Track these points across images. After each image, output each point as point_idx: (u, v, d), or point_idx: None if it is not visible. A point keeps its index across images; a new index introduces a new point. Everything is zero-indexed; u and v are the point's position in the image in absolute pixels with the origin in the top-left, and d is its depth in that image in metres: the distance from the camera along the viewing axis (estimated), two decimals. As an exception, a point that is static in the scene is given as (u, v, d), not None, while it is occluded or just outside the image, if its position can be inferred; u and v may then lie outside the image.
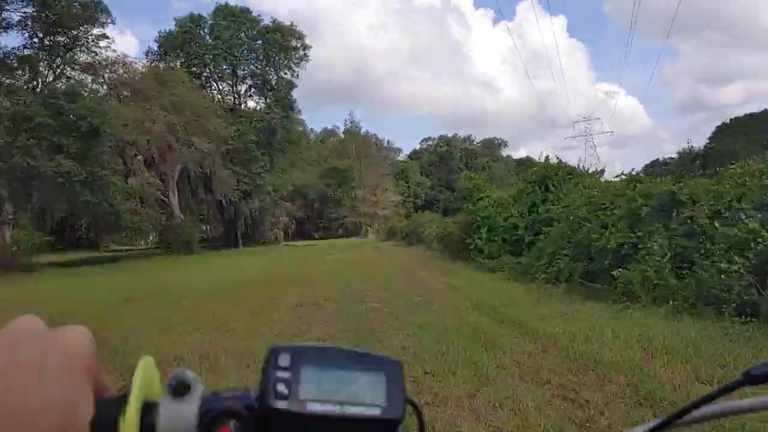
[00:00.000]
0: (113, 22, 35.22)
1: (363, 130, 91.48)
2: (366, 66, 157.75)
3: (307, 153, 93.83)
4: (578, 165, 18.63)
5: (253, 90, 56.88)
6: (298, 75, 57.06)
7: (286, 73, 56.69)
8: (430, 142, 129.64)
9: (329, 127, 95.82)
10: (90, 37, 34.00)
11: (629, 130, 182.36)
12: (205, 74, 53.71)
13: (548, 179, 17.49)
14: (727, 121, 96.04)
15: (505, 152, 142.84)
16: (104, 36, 34.70)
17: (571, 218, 12.43)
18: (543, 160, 18.84)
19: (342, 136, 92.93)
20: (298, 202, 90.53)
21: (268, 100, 55.24)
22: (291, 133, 59.78)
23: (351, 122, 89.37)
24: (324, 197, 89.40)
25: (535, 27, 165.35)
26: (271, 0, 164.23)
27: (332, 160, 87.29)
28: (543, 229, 14.91)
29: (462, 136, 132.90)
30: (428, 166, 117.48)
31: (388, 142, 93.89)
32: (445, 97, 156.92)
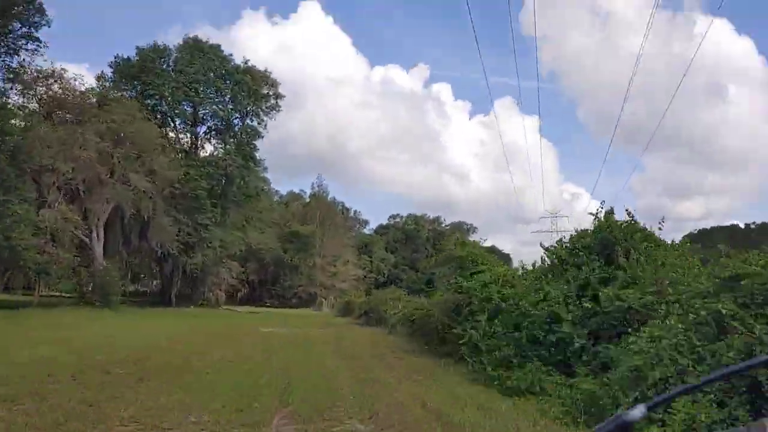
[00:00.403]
0: (48, 25, 29.72)
1: (330, 196, 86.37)
2: (343, 140, 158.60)
3: (268, 214, 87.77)
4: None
5: (213, 133, 51.41)
6: (266, 125, 52.06)
7: (252, 120, 51.59)
8: (398, 219, 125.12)
9: (296, 190, 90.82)
10: (11, 35, 28.23)
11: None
12: (161, 109, 48.18)
13: (617, 244, 11.29)
14: (695, 231, 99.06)
15: (472, 238, 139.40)
16: (32, 37, 29.01)
17: (701, 314, 6.68)
18: (602, 215, 12.35)
19: (308, 200, 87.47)
20: (252, 264, 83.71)
21: (227, 146, 49.75)
22: (249, 186, 54.08)
23: (318, 186, 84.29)
24: (280, 262, 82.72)
25: (509, 124, 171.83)
26: (261, 66, 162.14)
27: (294, 224, 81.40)
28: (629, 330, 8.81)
29: (431, 217, 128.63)
30: (394, 242, 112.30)
31: (355, 212, 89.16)
32: (417, 180, 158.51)
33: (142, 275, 49.47)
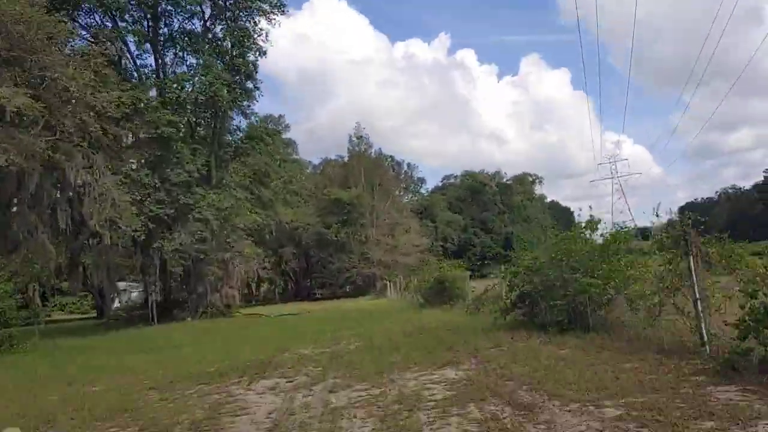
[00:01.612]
0: None
1: (375, 149, 66.91)
2: (372, 122, 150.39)
3: (297, 184, 69.80)
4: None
5: (182, 42, 32.55)
6: (267, 35, 33.06)
7: (245, 20, 32.82)
8: (453, 180, 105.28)
9: (331, 157, 71.55)
10: None
11: (639, 179, 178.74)
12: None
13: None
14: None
15: (538, 190, 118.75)
16: None
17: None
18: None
19: (346, 160, 68.53)
20: (287, 249, 65.91)
21: (206, 55, 31.06)
22: (256, 127, 35.65)
23: (357, 138, 65.12)
24: (324, 241, 64.54)
25: (539, 81, 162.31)
26: (283, 60, 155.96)
27: (334, 190, 62.87)
28: None
29: (489, 172, 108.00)
30: (457, 201, 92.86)
31: (408, 165, 68.90)
32: (452, 150, 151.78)
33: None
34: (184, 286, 33.17)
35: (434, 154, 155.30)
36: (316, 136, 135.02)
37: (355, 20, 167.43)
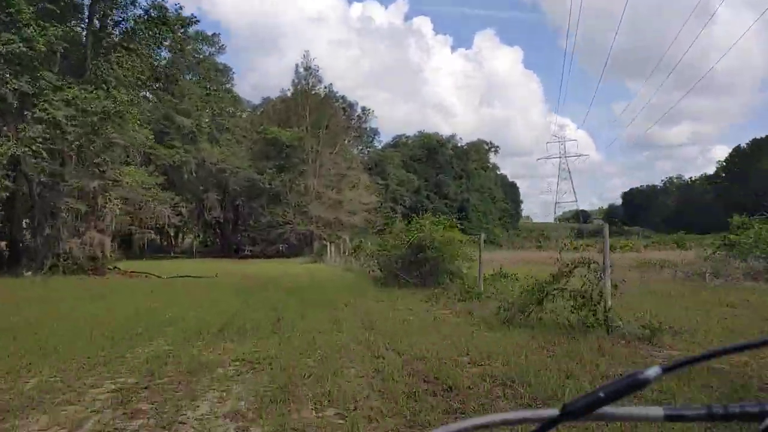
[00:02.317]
0: None
1: (324, 85, 55.80)
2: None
3: (229, 119, 58.71)
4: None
5: None
6: None
7: None
8: (405, 140, 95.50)
9: (273, 96, 59.51)
10: None
11: (578, 163, 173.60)
12: None
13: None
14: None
15: (493, 159, 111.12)
16: None
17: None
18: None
19: (289, 95, 57.41)
20: (211, 195, 55.06)
21: None
22: (160, 6, 24.80)
23: (305, 69, 54.09)
24: (255, 189, 54.15)
25: (492, 57, 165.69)
26: (233, 10, 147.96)
27: (270, 128, 52.12)
28: None
29: (444, 135, 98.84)
30: (412, 161, 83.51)
31: (363, 110, 57.80)
32: (400, 117, 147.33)
33: None
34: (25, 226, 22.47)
35: (383, 120, 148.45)
36: (261, 93, 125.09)
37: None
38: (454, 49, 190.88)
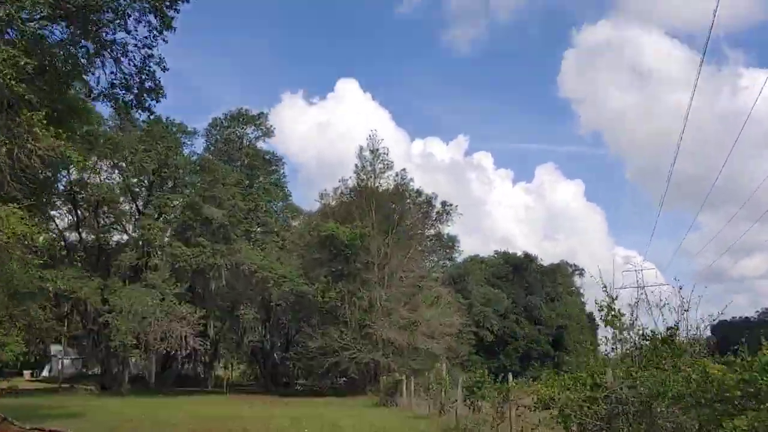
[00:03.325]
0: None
1: (394, 172, 43.69)
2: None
3: (276, 223, 47.93)
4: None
5: None
6: None
7: None
8: (482, 260, 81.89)
9: (329, 190, 48.21)
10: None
11: (652, 296, 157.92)
12: None
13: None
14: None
15: (578, 281, 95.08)
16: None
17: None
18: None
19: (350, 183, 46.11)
20: (250, 310, 42.48)
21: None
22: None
23: (371, 152, 42.99)
24: (305, 304, 41.70)
25: (553, 190, 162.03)
26: (302, 145, 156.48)
27: (324, 224, 40.37)
28: None
29: (520, 254, 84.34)
30: (494, 279, 69.53)
31: (444, 206, 45.14)
32: (465, 251, 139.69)
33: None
34: None
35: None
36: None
37: (377, 113, 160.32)
38: (515, 182, 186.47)
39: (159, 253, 37.42)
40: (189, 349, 35.87)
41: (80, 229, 38.94)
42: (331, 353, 38.18)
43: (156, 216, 38.81)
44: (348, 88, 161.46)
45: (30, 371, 57.99)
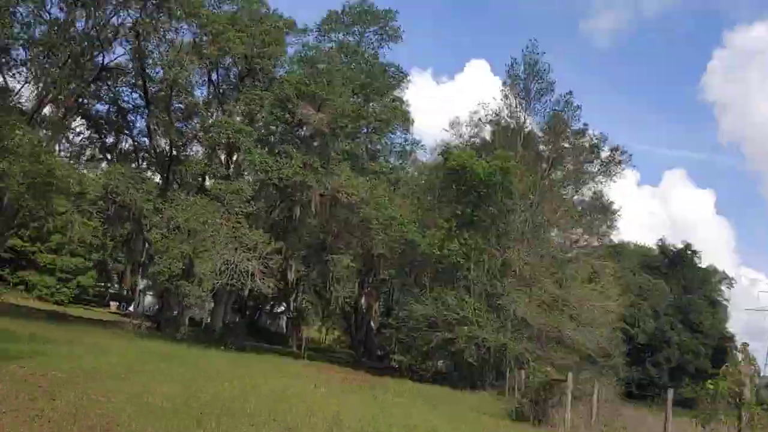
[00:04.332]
0: None
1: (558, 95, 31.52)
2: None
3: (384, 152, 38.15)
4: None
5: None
6: None
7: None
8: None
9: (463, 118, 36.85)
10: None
11: None
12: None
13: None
14: None
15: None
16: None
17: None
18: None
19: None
20: (344, 257, 32.69)
21: None
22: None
23: (529, 64, 31.34)
24: (413, 258, 31.52)
25: (680, 196, 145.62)
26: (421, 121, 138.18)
27: (452, 152, 29.61)
28: None
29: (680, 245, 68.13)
30: (650, 269, 55.76)
31: (613, 151, 32.69)
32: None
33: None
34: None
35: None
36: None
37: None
38: (640, 184, 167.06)
39: (233, 159, 28.53)
40: (256, 290, 26.58)
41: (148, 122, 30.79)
42: (443, 326, 27.47)
43: (239, 114, 29.94)
44: (478, 70, 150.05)
45: (117, 303, 53.34)
